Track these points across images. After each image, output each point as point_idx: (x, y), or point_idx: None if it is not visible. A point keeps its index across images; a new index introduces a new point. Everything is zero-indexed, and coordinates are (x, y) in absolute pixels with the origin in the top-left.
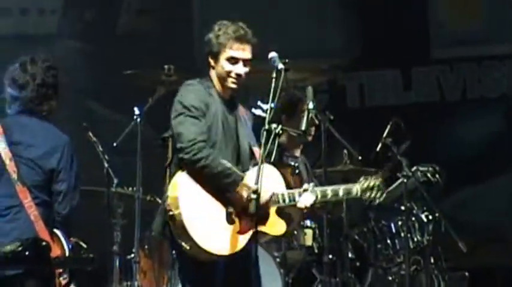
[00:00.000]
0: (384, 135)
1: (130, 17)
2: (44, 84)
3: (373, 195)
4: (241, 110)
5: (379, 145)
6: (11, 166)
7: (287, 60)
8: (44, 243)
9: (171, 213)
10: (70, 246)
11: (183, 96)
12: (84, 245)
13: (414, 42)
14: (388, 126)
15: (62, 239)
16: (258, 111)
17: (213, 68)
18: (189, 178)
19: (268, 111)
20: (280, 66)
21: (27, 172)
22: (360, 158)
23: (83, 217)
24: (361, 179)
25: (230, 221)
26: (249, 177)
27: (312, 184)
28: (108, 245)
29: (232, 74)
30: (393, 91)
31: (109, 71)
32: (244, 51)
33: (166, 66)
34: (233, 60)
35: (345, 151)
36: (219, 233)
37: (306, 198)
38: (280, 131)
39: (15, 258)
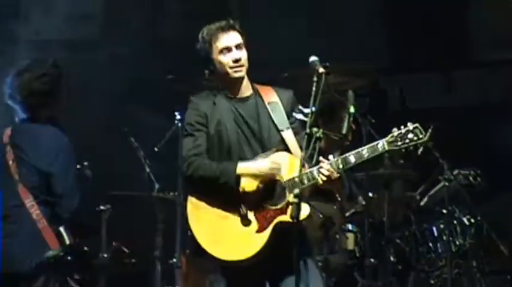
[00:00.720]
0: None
1: (172, 22)
2: (33, 94)
3: (408, 140)
4: (268, 96)
5: (421, 149)
6: (13, 167)
7: (328, 64)
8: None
9: (189, 233)
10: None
11: (185, 116)
12: (126, 250)
13: (455, 44)
14: (429, 131)
15: (65, 236)
16: (299, 115)
17: (215, 71)
18: (196, 195)
19: (310, 115)
20: (321, 70)
21: (26, 173)
22: (401, 161)
23: (125, 222)
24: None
25: (245, 223)
26: (243, 163)
27: (330, 156)
28: (150, 250)
29: (231, 63)
30: (434, 94)
31: (150, 75)
32: (232, 37)
33: (206, 71)
34: (226, 50)
35: (387, 155)
36: (234, 239)
37: (323, 171)
38: (321, 135)
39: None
